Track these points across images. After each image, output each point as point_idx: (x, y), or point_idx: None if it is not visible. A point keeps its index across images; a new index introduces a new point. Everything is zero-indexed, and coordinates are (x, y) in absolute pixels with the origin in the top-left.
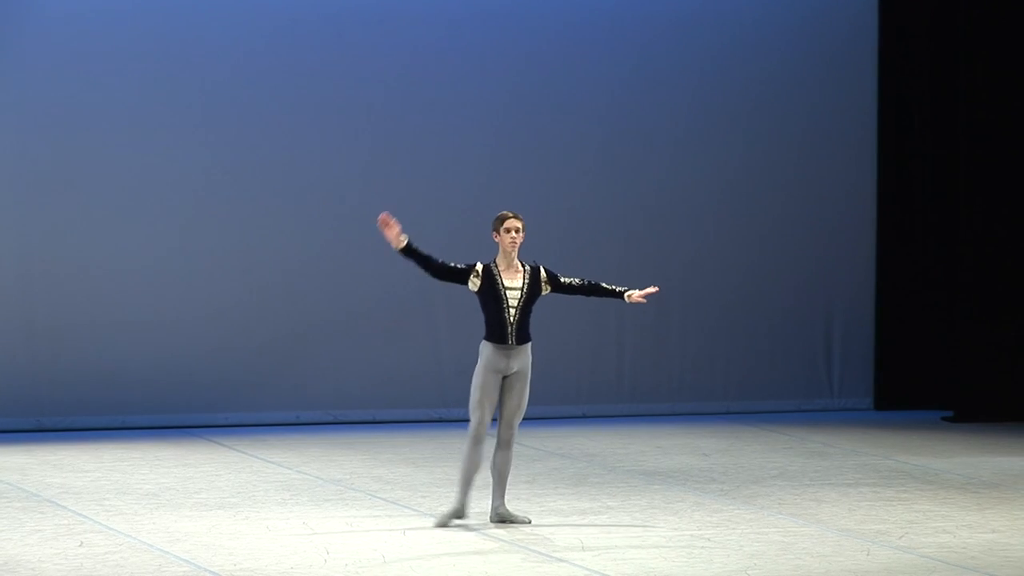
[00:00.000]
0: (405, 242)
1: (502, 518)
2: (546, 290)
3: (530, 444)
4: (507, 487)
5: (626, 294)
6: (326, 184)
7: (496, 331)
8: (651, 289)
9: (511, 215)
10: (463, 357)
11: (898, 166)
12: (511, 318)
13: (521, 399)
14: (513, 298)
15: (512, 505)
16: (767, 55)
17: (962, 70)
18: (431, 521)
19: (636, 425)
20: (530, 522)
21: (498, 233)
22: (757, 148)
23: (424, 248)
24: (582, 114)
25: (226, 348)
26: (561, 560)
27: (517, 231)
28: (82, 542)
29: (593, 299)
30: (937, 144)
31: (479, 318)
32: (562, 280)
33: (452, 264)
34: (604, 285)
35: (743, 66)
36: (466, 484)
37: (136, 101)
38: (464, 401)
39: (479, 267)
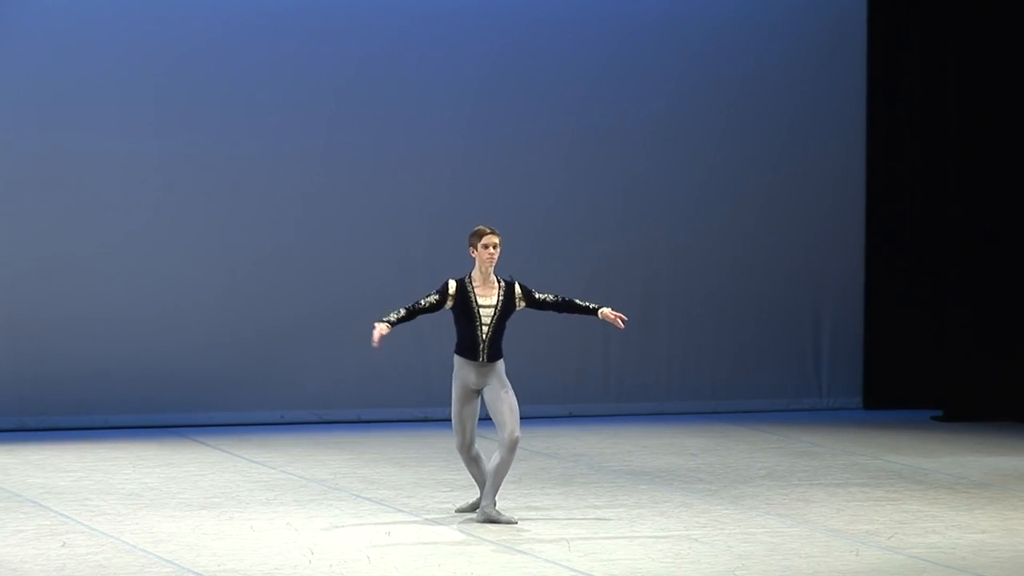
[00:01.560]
0: (388, 326)
1: (489, 518)
2: (520, 306)
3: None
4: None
5: (599, 311)
6: (311, 183)
7: (468, 347)
8: (620, 321)
9: (488, 231)
10: (448, 357)
11: (887, 163)
12: (483, 335)
13: (510, 403)
14: (486, 315)
15: (498, 505)
16: (753, 48)
17: (952, 65)
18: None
19: (623, 425)
20: (516, 523)
21: (475, 248)
22: (744, 144)
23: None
24: (563, 110)
25: (210, 347)
26: (547, 560)
27: (495, 247)
28: (64, 542)
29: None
30: (926, 140)
31: None
32: (536, 296)
33: (425, 302)
34: (578, 302)
35: (729, 61)
36: (481, 486)
37: (119, 98)
38: (449, 400)
39: (452, 287)
